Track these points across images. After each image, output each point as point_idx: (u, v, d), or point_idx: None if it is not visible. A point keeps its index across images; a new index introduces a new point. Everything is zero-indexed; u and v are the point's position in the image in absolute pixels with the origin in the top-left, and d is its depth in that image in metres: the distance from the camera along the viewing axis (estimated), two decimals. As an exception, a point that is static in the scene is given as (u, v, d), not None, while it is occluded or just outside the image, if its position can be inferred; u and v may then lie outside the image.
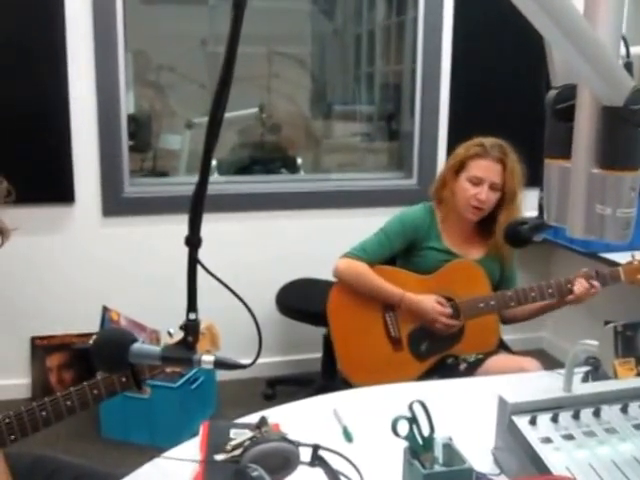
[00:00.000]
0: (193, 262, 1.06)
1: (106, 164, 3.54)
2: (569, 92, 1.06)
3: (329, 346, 2.69)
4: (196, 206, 1.03)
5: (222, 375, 3.52)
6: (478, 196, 2.52)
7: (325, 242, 3.60)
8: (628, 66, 1.03)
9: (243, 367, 1.11)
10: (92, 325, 3.29)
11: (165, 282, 3.57)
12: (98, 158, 3.53)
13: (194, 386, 3.30)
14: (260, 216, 3.82)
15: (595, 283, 2.42)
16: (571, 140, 1.06)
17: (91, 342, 1.16)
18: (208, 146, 0.99)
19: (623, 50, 1.06)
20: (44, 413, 1.53)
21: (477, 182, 2.53)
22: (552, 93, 1.09)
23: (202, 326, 1.49)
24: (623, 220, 1.03)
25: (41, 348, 3.62)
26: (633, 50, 3.39)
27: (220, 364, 1.10)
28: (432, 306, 2.51)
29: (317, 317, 2.79)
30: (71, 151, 3.44)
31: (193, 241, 1.05)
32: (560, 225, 1.11)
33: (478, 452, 1.42)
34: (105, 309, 3.30)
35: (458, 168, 2.58)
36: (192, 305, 1.09)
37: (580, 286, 2.41)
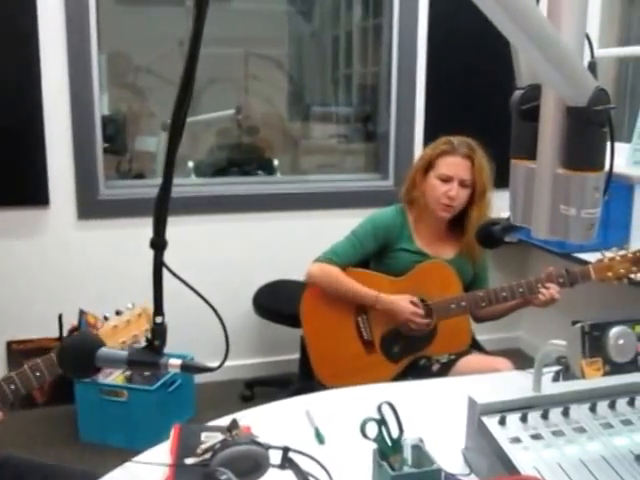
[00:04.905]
0: (159, 265, 1.06)
1: (81, 166, 3.52)
2: (534, 92, 1.07)
3: (306, 348, 2.69)
4: (160, 209, 1.03)
5: (200, 377, 3.51)
6: (448, 193, 2.52)
7: (302, 244, 3.59)
8: (592, 66, 1.04)
9: (210, 370, 1.10)
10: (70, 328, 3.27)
11: (141, 285, 3.54)
12: (72, 160, 3.50)
13: (172, 389, 3.29)
14: (237, 218, 3.81)
15: (556, 295, 2.42)
16: (536, 140, 1.06)
17: (56, 349, 1.16)
18: (171, 148, 0.98)
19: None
20: None
21: (446, 179, 2.53)
22: (517, 94, 1.09)
23: (138, 309, 1.52)
24: (587, 220, 1.03)
25: (18, 352, 3.59)
26: (606, 51, 3.41)
27: (187, 368, 1.10)
28: (406, 306, 2.51)
29: (294, 319, 2.78)
30: (45, 153, 3.42)
31: (158, 244, 1.05)
32: (525, 226, 1.11)
33: (449, 452, 1.43)
34: (82, 312, 3.27)
35: (427, 167, 2.59)
36: (158, 308, 1.08)
37: (546, 293, 2.41)
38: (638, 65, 3.74)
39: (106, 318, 1.78)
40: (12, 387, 1.61)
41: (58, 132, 3.44)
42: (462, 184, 2.53)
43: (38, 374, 1.61)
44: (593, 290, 2.70)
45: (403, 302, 2.52)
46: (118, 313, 1.81)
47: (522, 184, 1.11)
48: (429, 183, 2.57)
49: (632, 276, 2.40)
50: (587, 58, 1.05)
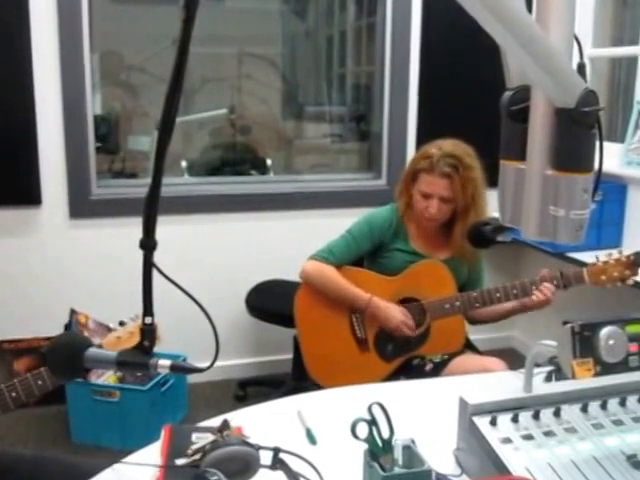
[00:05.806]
0: (148, 266, 1.05)
1: (73, 165, 3.51)
2: (524, 94, 1.07)
3: (299, 347, 2.69)
4: (150, 209, 1.02)
5: (193, 377, 3.51)
6: (429, 209, 2.51)
7: (295, 243, 3.60)
8: (580, 68, 1.04)
9: (200, 371, 1.10)
10: (60, 328, 3.25)
11: (133, 284, 3.53)
12: (64, 159, 3.49)
13: (164, 388, 3.28)
14: (229, 217, 3.81)
15: (550, 296, 2.42)
16: (526, 142, 1.06)
17: (45, 349, 1.15)
18: (160, 147, 0.98)
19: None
20: None
21: (426, 196, 2.52)
22: (507, 95, 1.09)
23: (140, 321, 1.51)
24: (576, 222, 1.03)
25: (8, 352, 3.57)
26: (599, 51, 3.42)
27: (177, 368, 1.09)
28: (396, 316, 2.52)
29: (287, 318, 2.78)
30: (37, 152, 3.40)
31: (147, 244, 1.04)
32: (514, 226, 1.11)
33: (440, 453, 1.43)
34: (73, 312, 3.27)
35: (412, 177, 2.58)
36: (148, 309, 1.08)
37: (539, 294, 2.42)
38: (631, 65, 3.74)
39: (110, 329, 1.77)
40: (13, 394, 1.60)
41: (50, 131, 3.43)
42: (443, 200, 2.50)
43: (40, 382, 1.60)
44: (587, 291, 2.70)
45: (395, 311, 2.53)
46: (122, 324, 1.80)
47: (511, 185, 1.11)
48: (414, 193, 2.57)
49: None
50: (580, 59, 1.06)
